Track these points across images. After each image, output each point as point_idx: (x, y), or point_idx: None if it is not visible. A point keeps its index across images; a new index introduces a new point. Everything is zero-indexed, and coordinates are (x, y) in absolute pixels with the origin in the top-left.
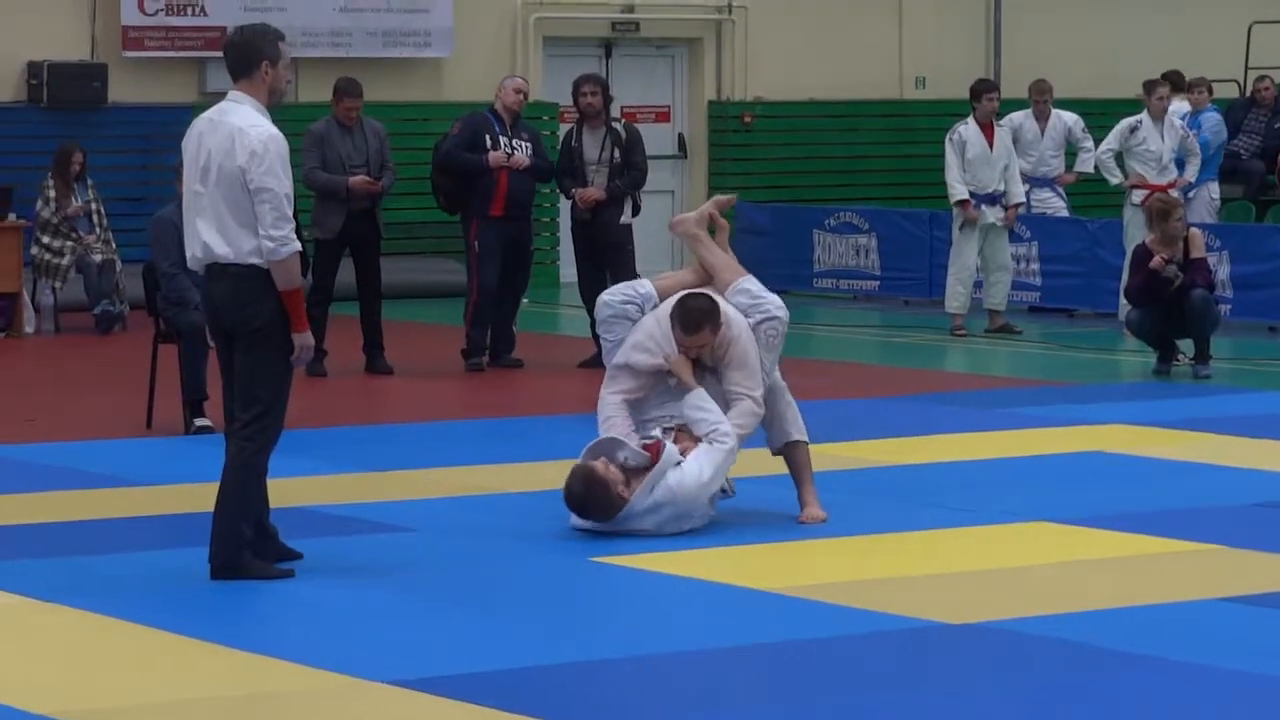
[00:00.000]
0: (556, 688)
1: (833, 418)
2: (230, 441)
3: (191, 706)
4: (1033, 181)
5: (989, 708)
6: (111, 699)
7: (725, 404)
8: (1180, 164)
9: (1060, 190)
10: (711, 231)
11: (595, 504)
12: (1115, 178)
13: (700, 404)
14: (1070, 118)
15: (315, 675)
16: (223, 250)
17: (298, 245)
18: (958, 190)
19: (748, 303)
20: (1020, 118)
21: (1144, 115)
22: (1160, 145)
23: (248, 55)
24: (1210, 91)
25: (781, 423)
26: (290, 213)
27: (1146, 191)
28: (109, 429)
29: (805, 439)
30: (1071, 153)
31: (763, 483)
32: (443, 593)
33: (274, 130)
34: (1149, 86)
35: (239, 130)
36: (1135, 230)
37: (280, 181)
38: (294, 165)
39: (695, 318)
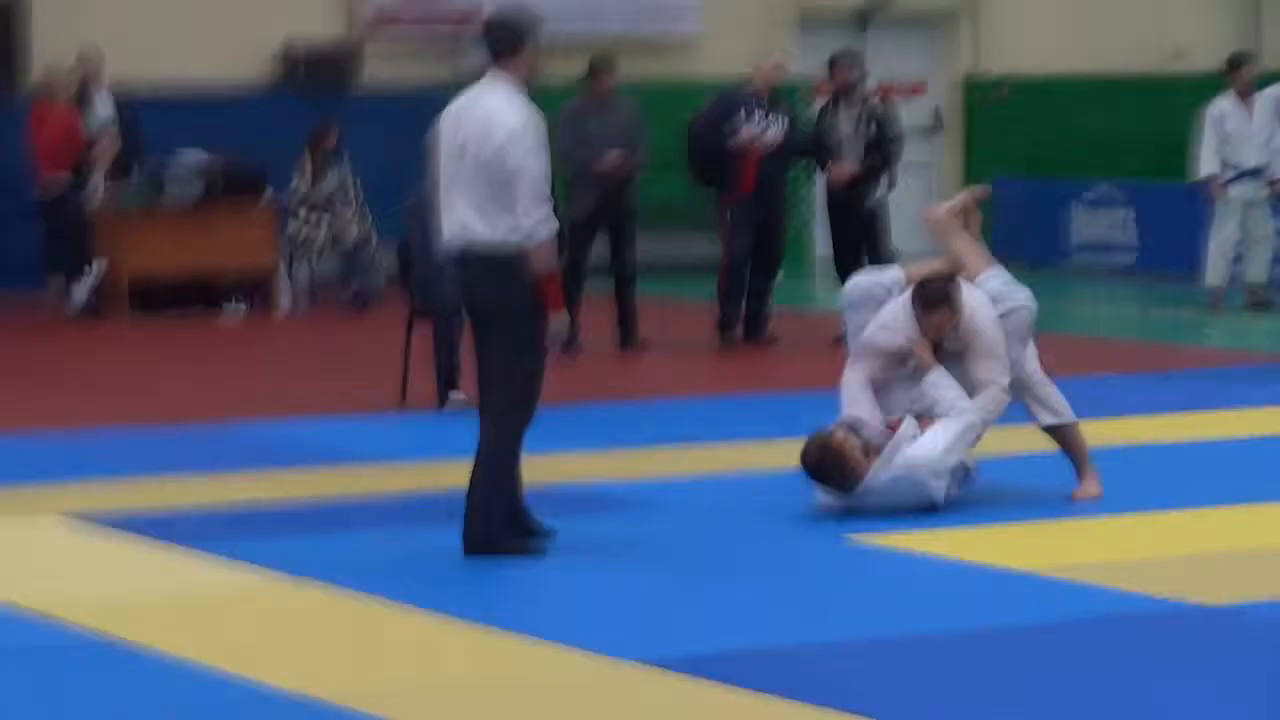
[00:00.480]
0: (809, 668)
1: (1090, 394)
2: (485, 420)
3: (445, 689)
4: None
5: (1250, 691)
6: (364, 680)
7: (972, 393)
8: None
9: None
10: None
11: (831, 471)
12: None
13: (940, 381)
14: None
15: (569, 655)
16: (479, 231)
17: (554, 225)
18: (1205, 164)
19: (997, 288)
20: None
21: None
22: None
23: (510, 36)
24: None
25: (1044, 407)
26: (546, 193)
27: None
28: (363, 405)
29: (1071, 419)
30: None
31: (1017, 461)
32: (696, 571)
33: (530, 110)
34: None
35: (496, 111)
36: None
37: (538, 162)
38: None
39: (934, 297)
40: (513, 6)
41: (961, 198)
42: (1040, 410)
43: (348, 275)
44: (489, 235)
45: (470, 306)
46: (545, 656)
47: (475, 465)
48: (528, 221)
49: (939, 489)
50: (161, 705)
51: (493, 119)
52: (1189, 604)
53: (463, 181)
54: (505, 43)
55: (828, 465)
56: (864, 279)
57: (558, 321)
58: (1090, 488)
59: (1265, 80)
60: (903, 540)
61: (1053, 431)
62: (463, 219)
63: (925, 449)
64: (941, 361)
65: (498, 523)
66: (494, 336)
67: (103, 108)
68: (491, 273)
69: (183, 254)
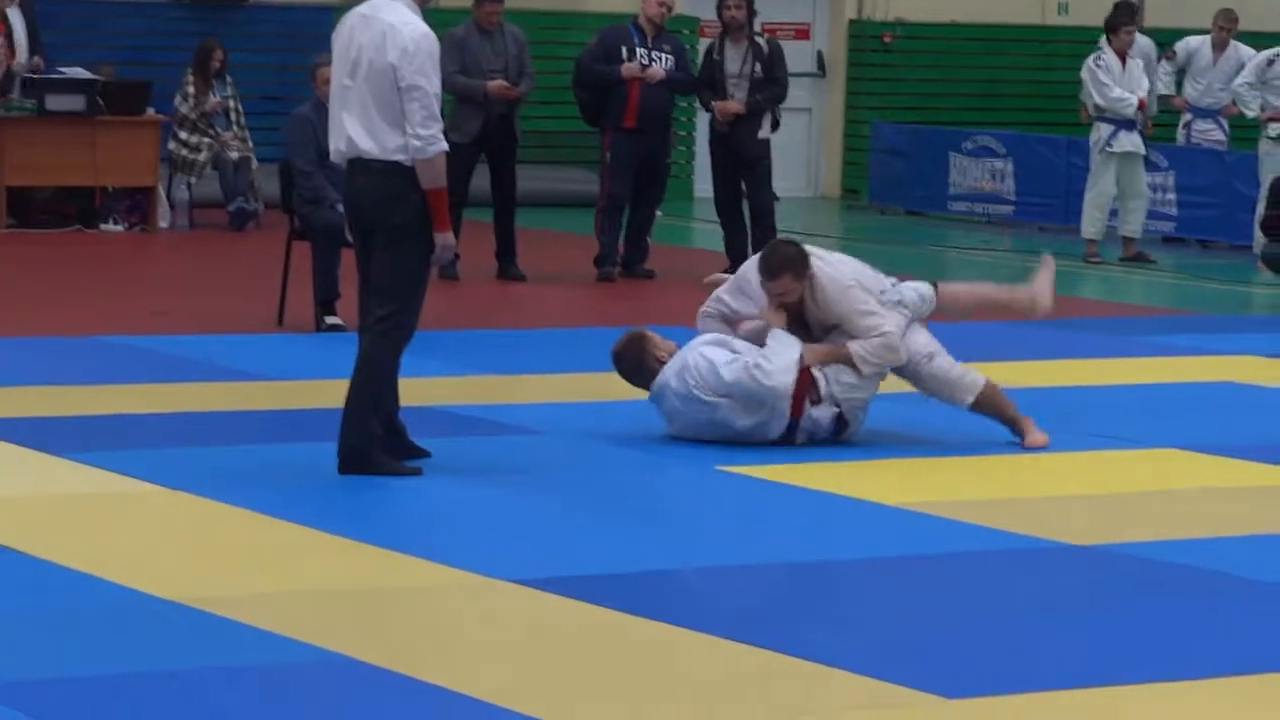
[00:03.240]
0: (671, 591)
1: (965, 341)
2: (364, 337)
3: (316, 598)
4: (1195, 111)
5: (1114, 631)
6: (237, 588)
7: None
8: None
9: (1223, 123)
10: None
11: (627, 362)
12: (1252, 110)
13: (781, 337)
14: (1249, 52)
15: (441, 571)
16: (368, 145)
17: (444, 145)
18: (1129, 99)
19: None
20: (1196, 43)
21: None
22: None
23: None
24: None
25: (962, 389)
26: (438, 112)
27: None
28: (240, 325)
29: (984, 385)
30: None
31: (893, 400)
32: (568, 495)
33: (426, 29)
34: None
35: (391, 27)
36: (1272, 163)
37: (431, 80)
38: None
39: (777, 263)
40: None
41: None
42: (960, 394)
43: (228, 195)
44: (378, 150)
45: (355, 222)
46: (417, 570)
47: (351, 383)
48: (418, 140)
49: (775, 416)
50: (36, 607)
51: (388, 35)
52: (1064, 543)
53: (354, 95)
54: None
55: (626, 356)
56: (708, 307)
57: (443, 240)
58: (1036, 436)
59: (1160, 38)
60: (771, 472)
61: (978, 407)
62: (352, 133)
63: (738, 367)
64: (815, 338)
65: (373, 440)
66: (378, 253)
67: (17, 24)
68: (380, 185)
69: (63, 168)
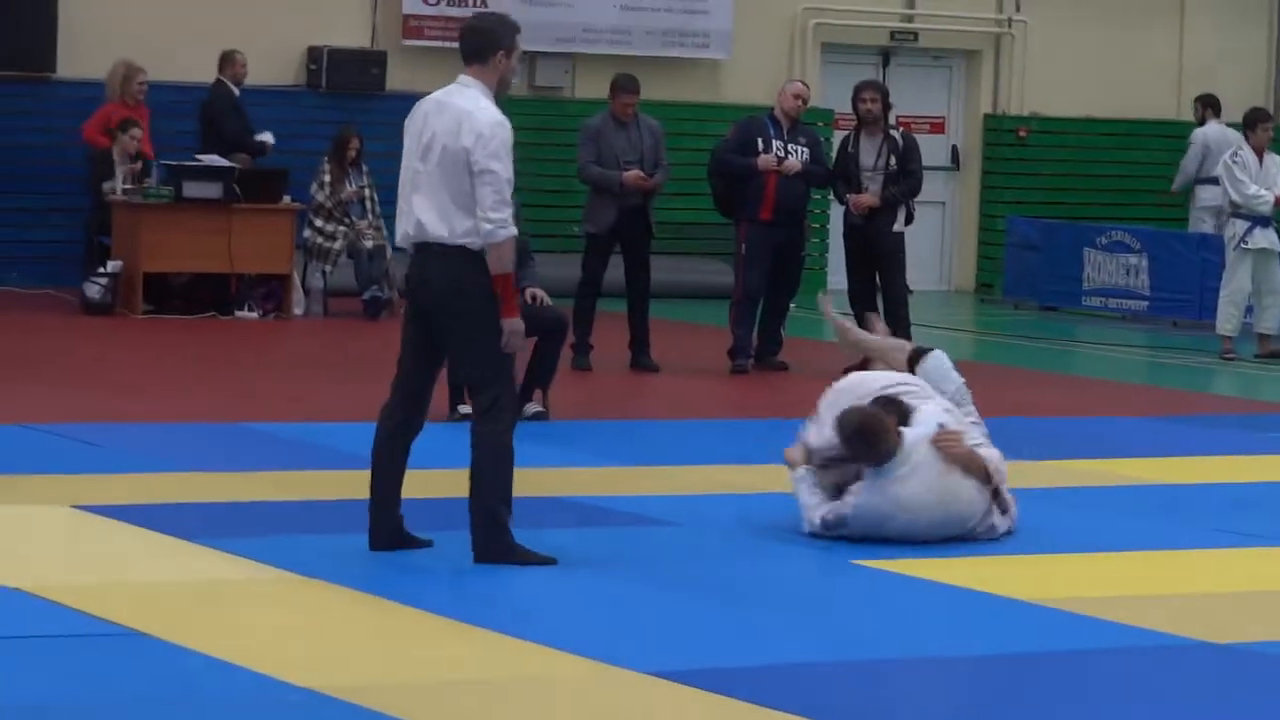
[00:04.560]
0: (809, 686)
1: (1098, 435)
2: (477, 427)
3: (450, 687)
4: None
5: None
6: (372, 676)
7: None
8: None
9: None
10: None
11: (869, 437)
12: None
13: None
14: None
15: (573, 661)
16: (438, 230)
17: (514, 230)
18: (1264, 196)
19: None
20: None
21: None
22: None
23: (485, 42)
24: None
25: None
26: (509, 197)
27: None
28: (373, 413)
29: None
30: None
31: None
32: (701, 587)
33: (501, 116)
34: None
35: (467, 113)
36: None
37: (504, 165)
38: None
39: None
40: (495, 15)
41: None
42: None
43: (362, 284)
44: (448, 235)
45: (417, 300)
46: (549, 660)
47: (473, 473)
48: (488, 224)
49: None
50: (173, 693)
51: (463, 120)
52: (1199, 640)
53: (424, 179)
54: (480, 48)
55: (867, 430)
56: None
57: (510, 325)
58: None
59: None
60: (909, 566)
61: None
62: (422, 216)
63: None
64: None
65: (506, 529)
66: (455, 341)
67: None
68: (449, 269)
69: (199, 255)
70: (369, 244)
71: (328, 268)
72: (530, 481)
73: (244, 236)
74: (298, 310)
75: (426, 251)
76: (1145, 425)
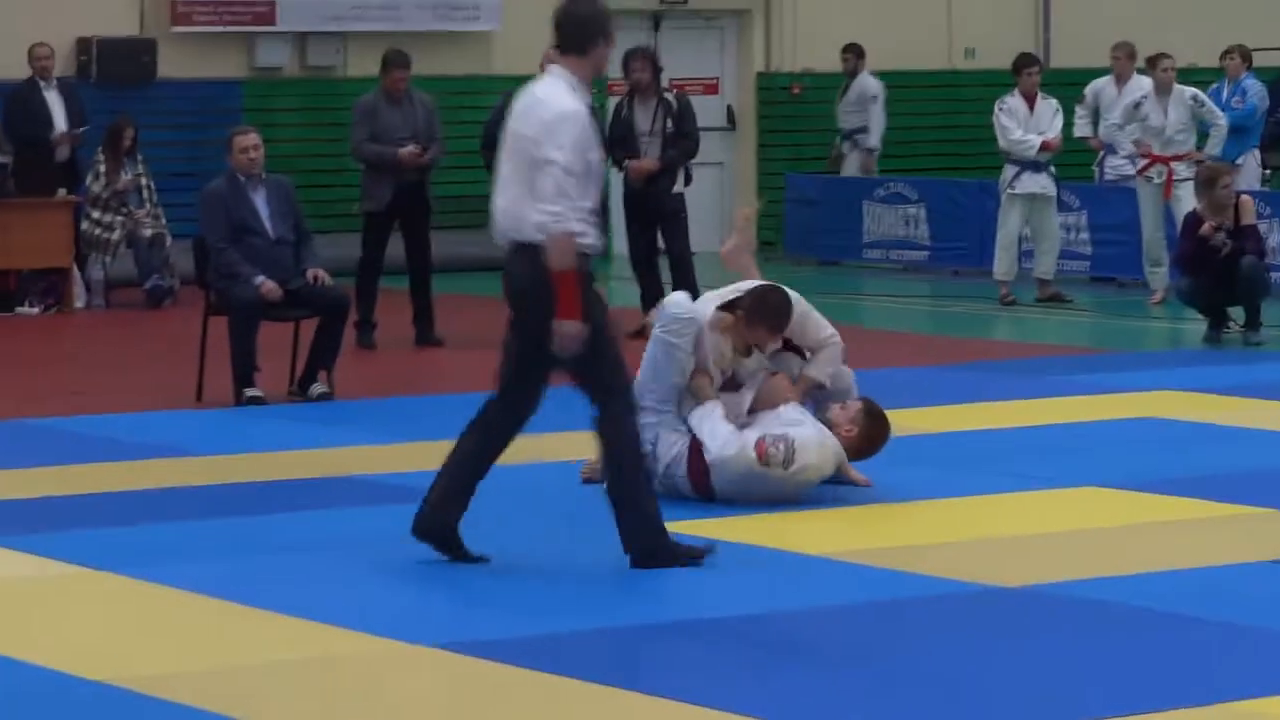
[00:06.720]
0: (609, 651)
1: (882, 386)
2: (601, 429)
3: (243, 672)
4: (1106, 148)
5: (1038, 669)
6: (159, 665)
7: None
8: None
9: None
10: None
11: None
12: (1123, 150)
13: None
14: (1148, 84)
15: (362, 639)
16: (512, 224)
17: (573, 226)
18: (1029, 141)
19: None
20: (1101, 83)
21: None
22: (1163, 120)
23: (584, 34)
24: (1247, 60)
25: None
26: (570, 190)
27: (1146, 161)
28: (159, 402)
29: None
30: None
31: None
32: (505, 558)
33: (576, 106)
34: (1152, 60)
35: (539, 101)
36: (1147, 203)
37: (567, 156)
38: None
39: (787, 310)
40: (593, 2)
41: (742, 227)
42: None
43: (143, 273)
44: (515, 232)
45: (508, 299)
46: (331, 638)
47: (611, 475)
48: (543, 215)
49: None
50: None
51: (533, 108)
52: (994, 585)
53: (506, 174)
54: (579, 41)
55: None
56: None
57: (562, 328)
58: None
59: (1051, 79)
60: (698, 528)
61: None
62: (501, 212)
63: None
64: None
65: (661, 528)
66: (535, 333)
67: None
68: (522, 267)
69: None
70: (148, 233)
71: (107, 259)
72: (319, 462)
73: (20, 232)
74: (79, 304)
75: (508, 249)
76: (927, 374)
